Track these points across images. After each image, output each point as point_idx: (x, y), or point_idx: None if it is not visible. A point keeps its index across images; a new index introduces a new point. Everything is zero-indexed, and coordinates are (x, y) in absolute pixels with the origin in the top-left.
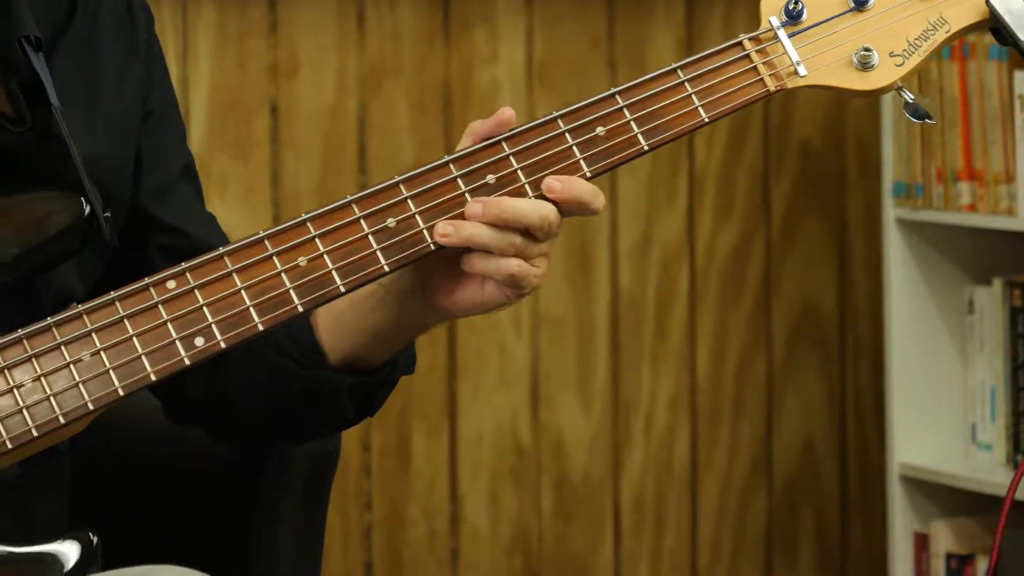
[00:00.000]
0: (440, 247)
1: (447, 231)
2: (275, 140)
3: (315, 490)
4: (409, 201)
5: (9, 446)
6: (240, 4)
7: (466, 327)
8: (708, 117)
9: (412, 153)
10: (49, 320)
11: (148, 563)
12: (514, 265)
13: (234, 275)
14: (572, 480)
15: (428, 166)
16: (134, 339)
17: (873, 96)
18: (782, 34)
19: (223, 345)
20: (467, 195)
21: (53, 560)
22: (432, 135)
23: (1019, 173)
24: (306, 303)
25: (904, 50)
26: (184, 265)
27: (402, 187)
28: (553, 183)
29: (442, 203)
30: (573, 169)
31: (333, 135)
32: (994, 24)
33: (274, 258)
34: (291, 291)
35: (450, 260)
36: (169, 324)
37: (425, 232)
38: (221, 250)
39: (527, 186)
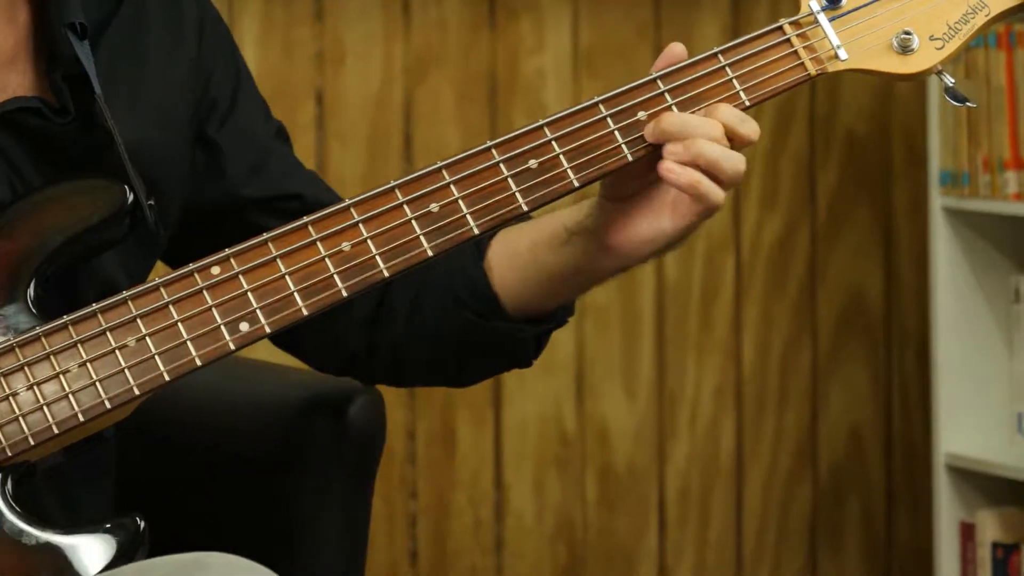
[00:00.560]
0: (639, 158)
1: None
2: (321, 128)
3: (360, 478)
4: (452, 186)
5: (55, 431)
6: None
7: None
8: (749, 101)
9: (457, 142)
10: (95, 306)
11: (192, 549)
12: (703, 178)
13: (278, 260)
14: (617, 470)
15: (470, 151)
16: (179, 324)
17: (913, 79)
18: (822, 18)
19: (268, 330)
20: (509, 180)
21: (99, 547)
22: (477, 124)
23: None
24: (350, 288)
25: (944, 34)
26: (228, 251)
27: (445, 172)
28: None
29: (484, 188)
30: (615, 153)
31: (379, 124)
32: None
33: (318, 243)
34: (335, 276)
35: (629, 197)
36: (214, 309)
37: (468, 217)
38: (265, 236)
39: (569, 171)
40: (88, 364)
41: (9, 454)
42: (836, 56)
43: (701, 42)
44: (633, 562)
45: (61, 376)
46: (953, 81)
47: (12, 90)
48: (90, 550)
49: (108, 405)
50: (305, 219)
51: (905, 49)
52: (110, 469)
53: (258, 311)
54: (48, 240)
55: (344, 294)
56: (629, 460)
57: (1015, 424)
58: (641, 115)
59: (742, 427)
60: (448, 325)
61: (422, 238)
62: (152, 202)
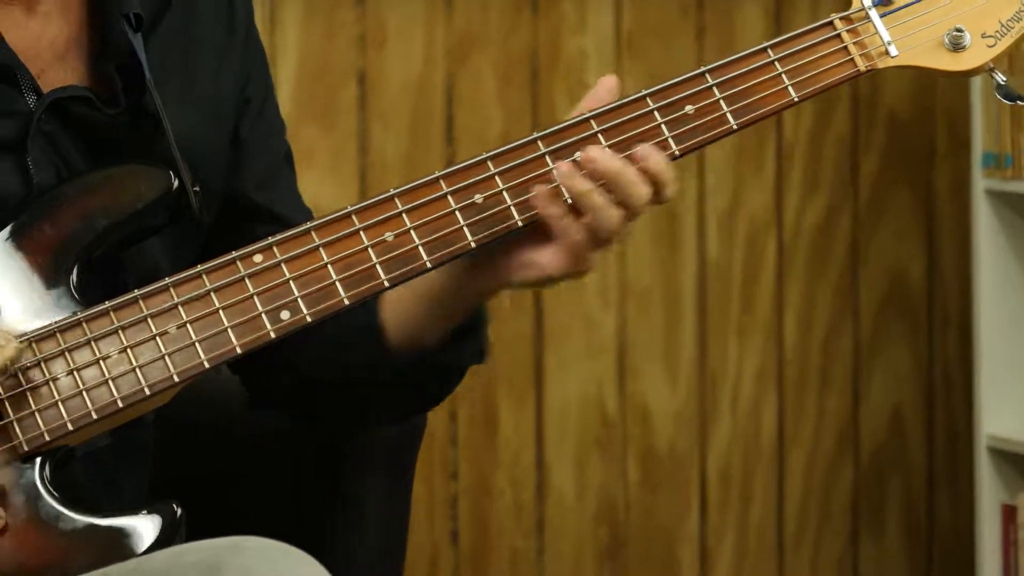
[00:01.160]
0: (528, 224)
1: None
2: (363, 110)
3: (401, 460)
4: (497, 178)
5: (94, 417)
6: None
7: (552, 297)
8: (798, 96)
9: (499, 124)
10: (136, 292)
11: (229, 534)
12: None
13: (321, 249)
14: (658, 451)
15: (516, 143)
16: (220, 312)
17: (964, 77)
18: (873, 14)
19: (309, 319)
20: (555, 173)
21: (136, 532)
22: (519, 106)
23: None
24: (392, 278)
25: (996, 31)
26: (271, 239)
27: (490, 163)
28: (642, 149)
29: (530, 180)
30: (662, 147)
31: (420, 106)
32: None
33: (361, 233)
34: (377, 266)
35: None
36: (255, 298)
37: (512, 209)
38: (308, 225)
39: None
40: (128, 350)
41: (47, 439)
42: (886, 52)
43: (743, 25)
44: (674, 544)
45: (101, 362)
46: (1004, 79)
47: (62, 80)
48: (128, 536)
49: (148, 392)
50: (349, 208)
51: (956, 46)
52: (149, 454)
53: (299, 300)
54: (92, 224)
55: (386, 284)
56: (670, 442)
57: None
58: (689, 109)
59: (784, 409)
60: (346, 358)
61: (465, 229)
62: (198, 188)
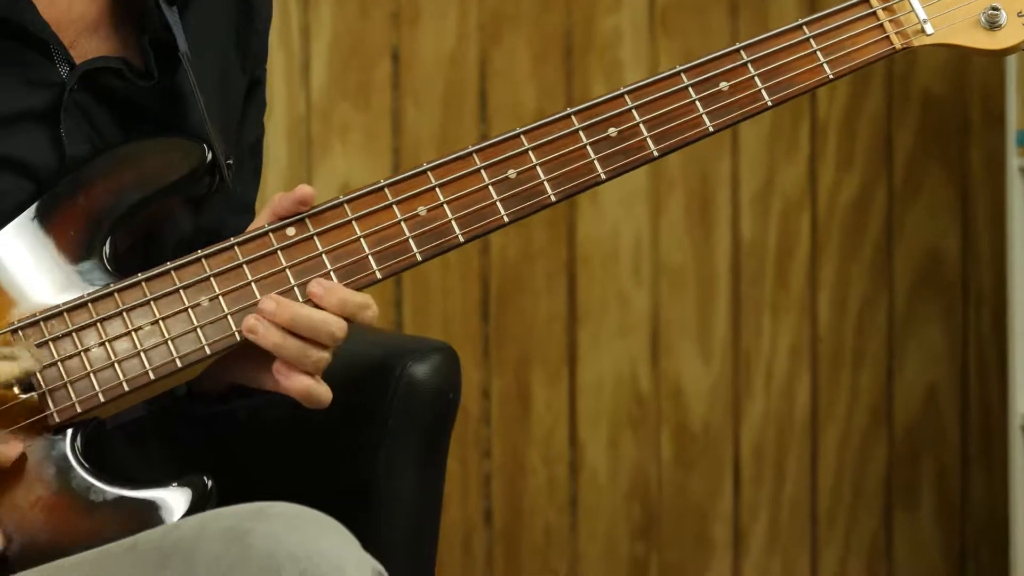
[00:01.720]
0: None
1: (255, 329)
2: (396, 87)
3: (435, 437)
4: (530, 153)
5: (126, 388)
6: None
7: (586, 275)
8: (833, 74)
9: (533, 101)
10: (168, 265)
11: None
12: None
13: (354, 223)
14: (692, 429)
15: (550, 118)
16: (252, 285)
17: (1000, 56)
18: None
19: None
20: (588, 148)
21: (166, 504)
22: (553, 83)
23: None
24: (425, 252)
25: None
26: (304, 212)
27: (523, 138)
28: (315, 288)
29: (563, 155)
30: (696, 124)
31: (454, 83)
32: None
33: (394, 207)
34: (410, 240)
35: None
36: (288, 271)
37: (546, 184)
38: (341, 198)
39: (649, 140)
40: (160, 322)
41: (79, 410)
42: (922, 31)
43: (777, 2)
44: (708, 521)
45: (133, 333)
46: None
47: (94, 52)
48: (159, 507)
49: (179, 364)
50: (382, 182)
51: (992, 25)
52: (182, 424)
53: (332, 274)
54: (126, 197)
55: (419, 259)
56: (704, 419)
57: None
58: (723, 85)
59: (817, 386)
60: None
61: (499, 204)
62: (231, 162)
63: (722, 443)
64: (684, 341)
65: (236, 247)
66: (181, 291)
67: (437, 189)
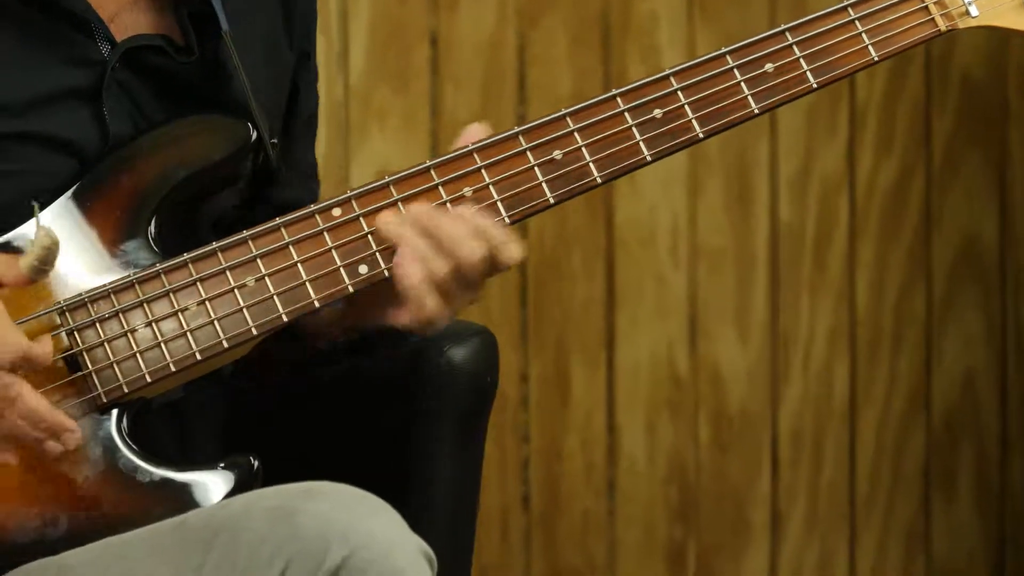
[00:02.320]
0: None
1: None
2: (435, 71)
3: (473, 421)
4: (576, 134)
5: (173, 369)
6: None
7: (624, 258)
8: (878, 56)
9: (571, 85)
10: (215, 244)
11: None
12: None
13: (400, 204)
14: (729, 412)
15: (594, 100)
16: (299, 266)
17: None
18: None
19: (387, 274)
20: (634, 130)
21: (212, 486)
22: (591, 67)
23: None
24: None
25: None
26: (350, 192)
27: (569, 120)
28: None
29: (608, 137)
30: (741, 105)
31: (493, 66)
32: None
33: (440, 188)
34: None
35: None
36: (334, 251)
37: (591, 166)
38: (387, 179)
39: (695, 122)
40: (207, 303)
41: (126, 391)
42: (967, 13)
43: None
44: (745, 505)
45: (180, 314)
46: None
47: (134, 29)
48: (205, 488)
49: (226, 344)
50: (428, 163)
51: None
52: (225, 405)
53: (377, 255)
54: (170, 176)
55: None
56: (742, 403)
57: None
58: (768, 67)
59: (855, 370)
60: None
61: (545, 186)
62: (275, 140)
63: (760, 427)
64: (722, 324)
65: (282, 228)
66: (227, 271)
67: (483, 170)
